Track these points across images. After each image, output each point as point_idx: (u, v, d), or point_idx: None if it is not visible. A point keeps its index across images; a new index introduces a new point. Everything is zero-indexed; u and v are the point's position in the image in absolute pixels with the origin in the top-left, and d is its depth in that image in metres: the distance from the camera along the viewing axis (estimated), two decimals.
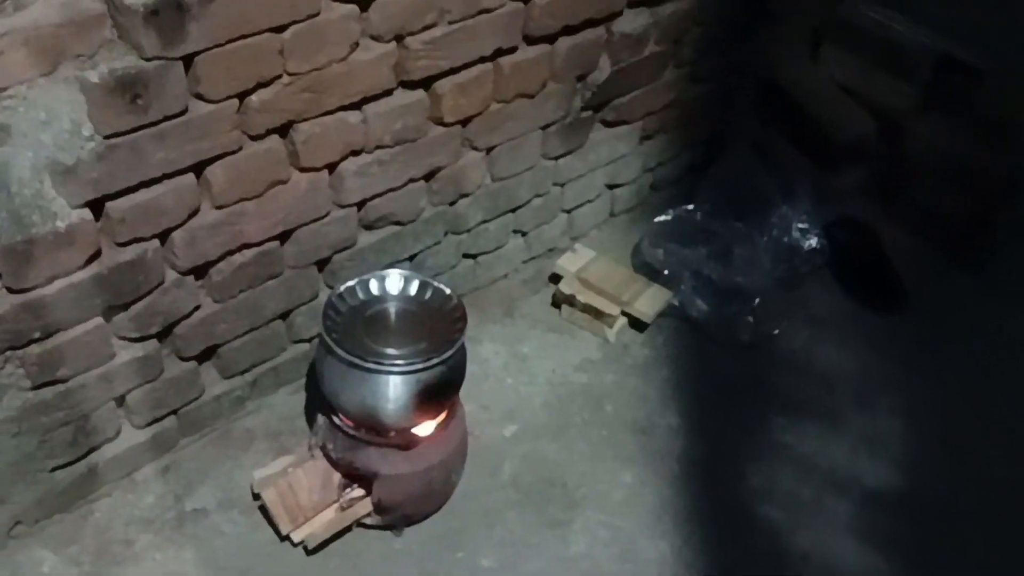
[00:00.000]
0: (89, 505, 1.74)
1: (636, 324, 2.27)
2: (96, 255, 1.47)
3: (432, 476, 1.71)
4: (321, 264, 1.86)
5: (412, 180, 1.89)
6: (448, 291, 1.69)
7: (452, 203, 2.03)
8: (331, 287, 1.91)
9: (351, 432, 1.65)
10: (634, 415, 2.09)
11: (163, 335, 1.68)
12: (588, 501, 1.90)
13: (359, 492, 1.74)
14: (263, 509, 1.75)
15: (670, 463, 2.00)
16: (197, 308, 1.70)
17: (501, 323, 2.26)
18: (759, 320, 2.26)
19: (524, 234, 2.30)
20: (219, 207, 1.59)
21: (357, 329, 1.61)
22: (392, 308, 1.68)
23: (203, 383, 1.83)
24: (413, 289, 1.71)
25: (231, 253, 1.67)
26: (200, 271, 1.65)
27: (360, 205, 1.83)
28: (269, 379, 1.95)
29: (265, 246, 1.72)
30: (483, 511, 1.85)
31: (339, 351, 1.54)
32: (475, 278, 2.26)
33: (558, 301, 2.29)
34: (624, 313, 2.24)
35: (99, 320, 1.55)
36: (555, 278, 2.33)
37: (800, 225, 2.36)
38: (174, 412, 1.81)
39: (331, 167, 1.72)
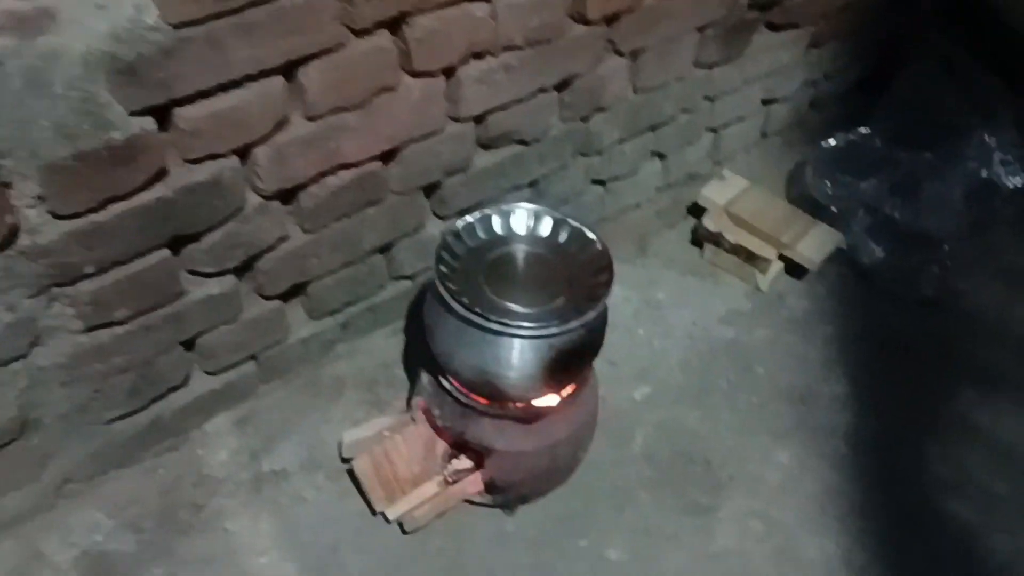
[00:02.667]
0: (153, 460, 1.54)
1: (794, 270, 1.94)
2: (161, 174, 1.22)
3: (556, 454, 1.45)
4: (429, 189, 1.58)
5: (542, 90, 1.58)
6: (591, 234, 1.39)
7: (585, 118, 1.72)
8: (440, 216, 1.63)
9: (463, 399, 1.39)
10: (790, 380, 1.78)
11: (243, 270, 1.43)
12: (736, 484, 1.61)
13: (467, 465, 1.49)
14: (353, 474, 1.51)
15: (835, 442, 1.69)
16: (284, 239, 1.44)
17: (632, 262, 1.96)
18: (946, 271, 1.91)
19: (663, 157, 1.98)
20: (312, 118, 1.31)
21: (477, 277, 1.33)
22: (520, 252, 1.39)
23: (288, 324, 1.59)
24: (546, 229, 1.41)
25: (325, 175, 1.40)
26: (288, 195, 1.39)
27: (479, 119, 1.53)
28: (364, 320, 1.70)
29: (366, 167, 1.44)
30: (610, 490, 1.59)
31: (455, 305, 1.26)
32: (603, 208, 1.96)
33: (700, 239, 1.97)
34: (781, 257, 1.91)
35: (165, 253, 1.30)
36: (697, 211, 2.01)
37: (1003, 157, 1.96)
38: (253, 357, 1.57)
39: (448, 72, 1.42)
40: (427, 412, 1.48)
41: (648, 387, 1.74)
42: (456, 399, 1.40)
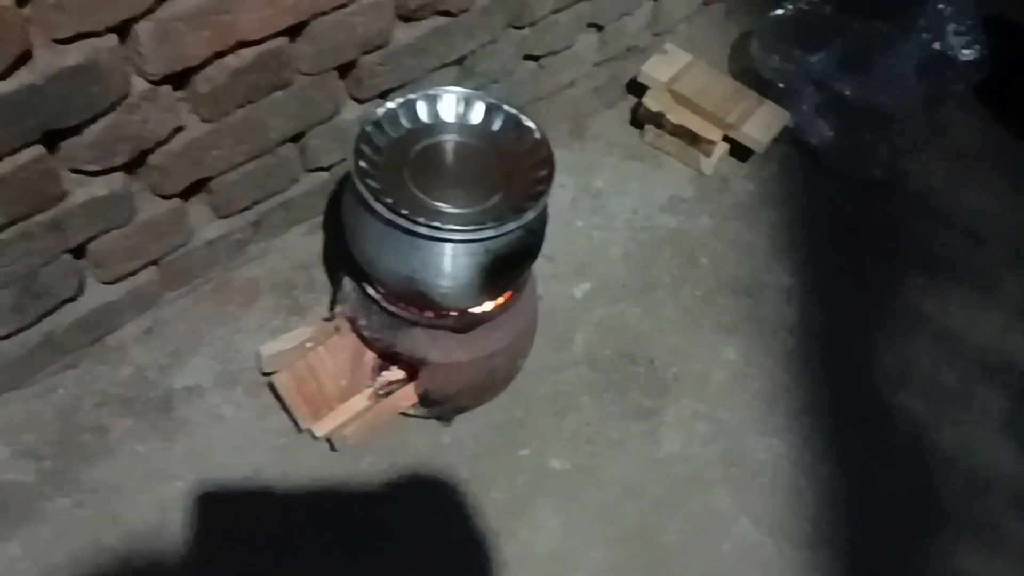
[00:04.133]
0: (49, 380, 1.39)
1: (738, 152, 1.83)
2: (25, 58, 1.03)
3: (494, 363, 1.35)
4: (344, 70, 1.41)
5: None
6: (528, 121, 1.25)
7: None
8: (358, 100, 1.47)
9: (391, 308, 1.26)
10: (736, 271, 1.70)
11: (133, 166, 1.27)
12: (681, 384, 1.54)
13: (399, 376, 1.37)
14: (275, 390, 1.39)
15: (782, 335, 1.63)
16: (179, 130, 1.26)
17: (568, 146, 1.83)
18: (896, 150, 1.83)
19: (600, 28, 1.82)
20: None
21: (401, 173, 1.19)
22: (449, 143, 1.24)
23: (191, 225, 1.43)
24: (477, 115, 1.26)
25: (222, 54, 1.22)
26: (180, 79, 1.21)
27: None
28: (277, 218, 1.55)
29: (269, 44, 1.26)
30: (551, 395, 1.50)
31: (378, 206, 1.12)
32: (537, 86, 1.80)
33: (641, 120, 1.84)
34: (726, 139, 1.79)
35: (39, 150, 1.13)
36: (637, 89, 1.87)
37: (957, 28, 1.85)
38: (154, 263, 1.41)
39: None
40: (352, 321, 1.36)
41: (588, 283, 1.64)
42: (384, 308, 1.27)
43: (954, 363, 1.64)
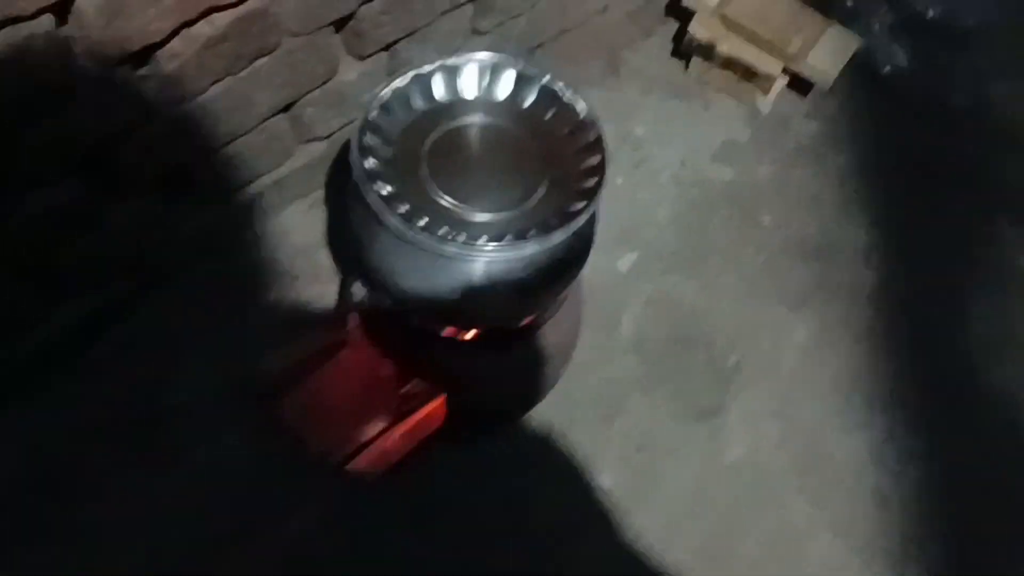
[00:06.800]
0: (18, 408, 1.20)
1: (797, 84, 1.59)
2: None
3: (533, 377, 1.15)
4: (340, 23, 1.17)
5: None
6: (568, 95, 1.02)
7: None
8: (358, 56, 1.23)
9: (412, 321, 1.06)
10: (803, 229, 1.49)
11: (90, 167, 1.04)
12: (746, 374, 1.36)
13: (422, 389, 1.18)
14: (279, 411, 1.20)
15: (860, 305, 1.43)
16: (144, 120, 1.04)
17: (601, 84, 1.59)
18: (981, 75, 1.57)
19: None
20: None
21: (417, 168, 0.97)
22: (474, 127, 1.01)
23: (172, 219, 1.22)
24: (505, 89, 1.03)
25: (189, 24, 0.98)
26: (139, 59, 0.98)
27: None
28: (272, 197, 1.34)
29: (247, 5, 1.02)
30: (596, 396, 1.32)
31: (392, 220, 0.90)
32: (563, 16, 1.55)
33: (686, 51, 1.59)
34: (785, 71, 1.55)
35: None
36: (680, 13, 1.61)
37: None
38: (135, 265, 1.21)
39: None
40: (365, 328, 1.16)
41: (634, 253, 1.43)
42: (402, 321, 1.07)
43: None
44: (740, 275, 1.44)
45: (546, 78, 1.02)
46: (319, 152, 1.34)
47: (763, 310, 1.41)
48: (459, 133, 1.01)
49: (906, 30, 1.58)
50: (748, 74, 1.55)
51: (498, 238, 0.92)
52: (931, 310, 1.43)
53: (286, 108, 1.22)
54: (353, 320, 1.18)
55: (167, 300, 1.28)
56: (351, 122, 1.32)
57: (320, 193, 1.40)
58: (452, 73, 1.02)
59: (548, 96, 1.02)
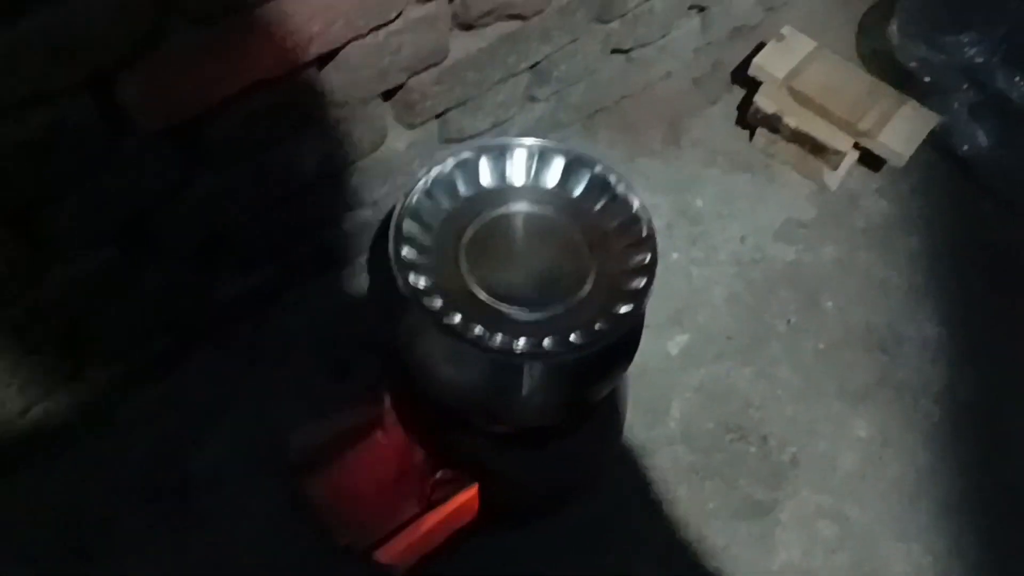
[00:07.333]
0: (45, 465, 1.17)
1: (869, 160, 1.52)
2: None
3: (572, 470, 1.09)
4: (389, 93, 1.13)
5: None
6: (620, 185, 0.96)
7: None
8: (408, 125, 1.19)
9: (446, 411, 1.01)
10: (868, 318, 1.41)
11: (131, 234, 1.02)
12: (802, 470, 1.28)
13: (455, 480, 1.13)
14: (305, 491, 1.16)
15: (926, 404, 1.35)
16: (185, 185, 1.02)
17: (661, 155, 1.53)
18: None
19: (702, 9, 1.50)
20: (200, 20, 0.86)
21: (457, 260, 0.92)
22: (518, 217, 0.97)
23: (212, 284, 1.19)
24: (553, 175, 0.98)
25: (236, 98, 0.96)
26: (183, 132, 0.95)
27: None
28: (315, 263, 1.30)
29: (293, 78, 0.99)
30: (640, 485, 1.26)
31: (424, 315, 0.86)
32: (625, 83, 1.51)
33: (752, 122, 1.53)
34: (856, 146, 1.48)
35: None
36: (746, 81, 1.55)
37: None
38: (169, 329, 1.18)
39: None
40: (399, 412, 1.11)
41: (686, 335, 1.37)
42: (437, 411, 1.02)
43: None
44: (798, 364, 1.36)
45: (598, 167, 0.97)
46: (364, 219, 1.30)
47: (822, 402, 1.33)
48: (503, 222, 0.96)
49: (988, 110, 1.49)
50: (816, 148, 1.48)
51: (537, 340, 0.86)
52: (1002, 413, 1.34)
53: (330, 175, 1.19)
54: (387, 400, 1.14)
55: (200, 363, 1.26)
56: (398, 188, 1.29)
57: (364, 257, 1.36)
58: (500, 158, 0.97)
59: (599, 186, 0.97)
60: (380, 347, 1.24)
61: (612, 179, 0.96)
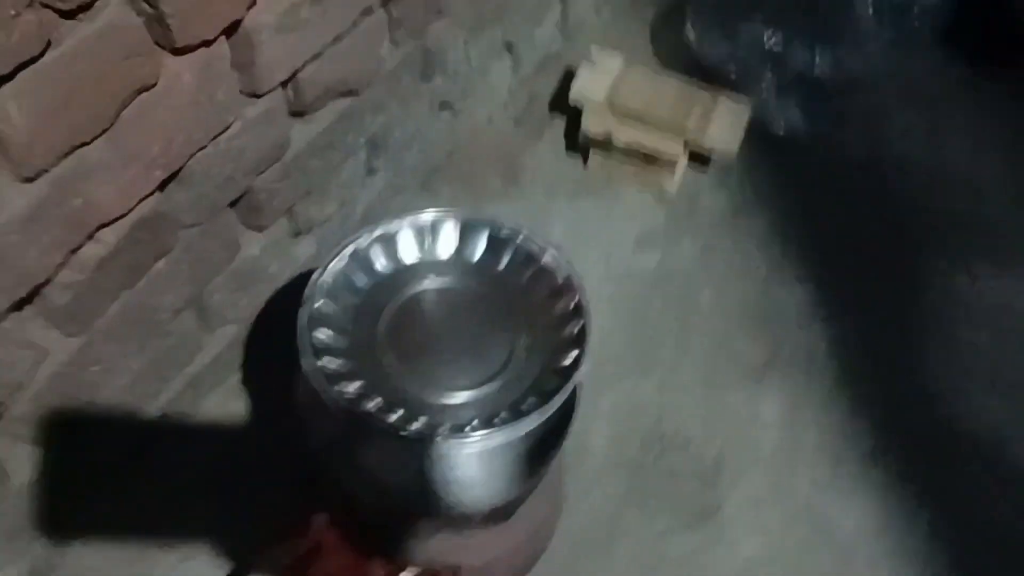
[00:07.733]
0: None
1: (698, 160, 1.58)
2: None
3: (532, 543, 1.05)
4: (235, 202, 1.06)
5: (366, 12, 1.08)
6: (546, 255, 0.93)
7: (421, 32, 1.23)
8: (256, 228, 1.12)
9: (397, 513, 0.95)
10: (744, 294, 1.45)
11: None
12: (730, 466, 1.30)
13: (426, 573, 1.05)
14: None
15: (820, 364, 1.39)
16: (38, 361, 0.90)
17: (505, 196, 1.53)
18: (872, 117, 1.59)
19: (510, 48, 1.51)
20: (31, 178, 0.76)
21: (374, 339, 0.86)
22: (440, 292, 0.91)
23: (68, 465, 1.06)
24: (476, 248, 0.94)
25: (77, 250, 0.86)
26: (26, 301, 0.85)
27: (287, 82, 1.01)
28: (186, 398, 1.19)
29: (138, 211, 0.91)
30: (590, 523, 1.23)
31: (340, 406, 0.79)
32: (453, 136, 1.49)
33: (584, 145, 1.55)
34: (686, 148, 1.53)
35: None
36: (565, 108, 1.57)
37: None
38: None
39: (231, 30, 0.89)
40: (338, 525, 1.03)
41: (584, 365, 1.34)
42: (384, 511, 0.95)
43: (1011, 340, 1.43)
44: (694, 363, 1.38)
45: (523, 235, 0.94)
46: (232, 335, 1.21)
47: (727, 393, 1.35)
48: (424, 298, 0.91)
49: (794, 89, 1.58)
50: (649, 159, 1.51)
51: (460, 424, 0.82)
52: (890, 350, 1.41)
53: (190, 302, 1.10)
54: (320, 521, 1.05)
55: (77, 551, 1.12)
56: (260, 298, 1.21)
57: (238, 375, 1.26)
58: (422, 233, 0.92)
59: (523, 256, 0.94)
60: (293, 463, 1.16)
61: (537, 249, 0.93)
